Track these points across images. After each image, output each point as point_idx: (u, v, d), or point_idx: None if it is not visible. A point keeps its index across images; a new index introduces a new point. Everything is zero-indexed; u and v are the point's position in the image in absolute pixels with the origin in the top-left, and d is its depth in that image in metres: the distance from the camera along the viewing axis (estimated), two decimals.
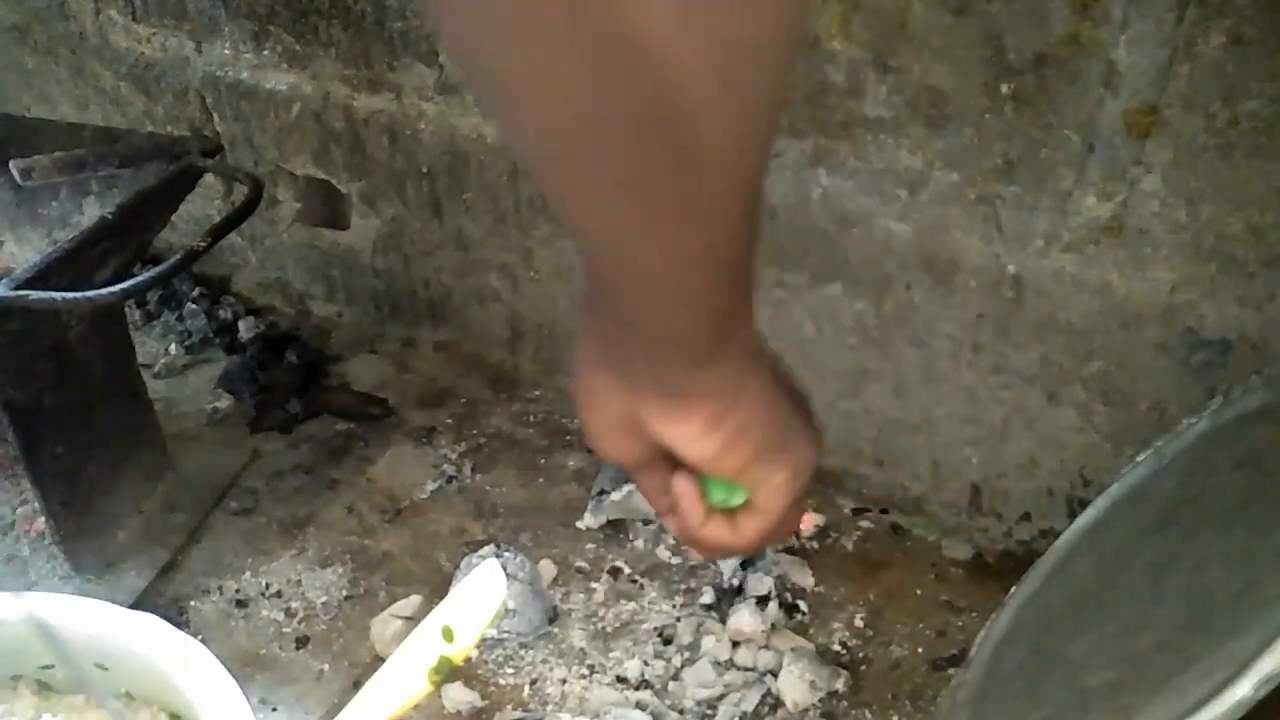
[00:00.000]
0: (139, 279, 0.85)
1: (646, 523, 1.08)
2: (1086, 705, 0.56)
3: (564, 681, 0.92)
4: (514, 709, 0.90)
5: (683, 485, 0.45)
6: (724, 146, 0.30)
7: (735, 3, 0.27)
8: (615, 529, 1.07)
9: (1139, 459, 0.75)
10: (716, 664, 0.92)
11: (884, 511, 1.09)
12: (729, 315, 0.38)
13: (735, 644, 0.94)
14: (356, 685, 0.89)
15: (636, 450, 0.43)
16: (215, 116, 1.29)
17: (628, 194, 0.31)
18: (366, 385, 1.28)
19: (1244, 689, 0.44)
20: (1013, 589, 0.79)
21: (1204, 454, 0.69)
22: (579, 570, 1.03)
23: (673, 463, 0.44)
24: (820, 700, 0.89)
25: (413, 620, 0.96)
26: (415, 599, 0.99)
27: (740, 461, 0.42)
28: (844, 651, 0.95)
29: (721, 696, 0.90)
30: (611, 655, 0.94)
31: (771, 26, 0.28)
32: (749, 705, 0.89)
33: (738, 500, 0.46)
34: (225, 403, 1.26)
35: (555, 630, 0.97)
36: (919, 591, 1.00)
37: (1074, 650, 0.62)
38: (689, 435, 0.40)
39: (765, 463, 0.43)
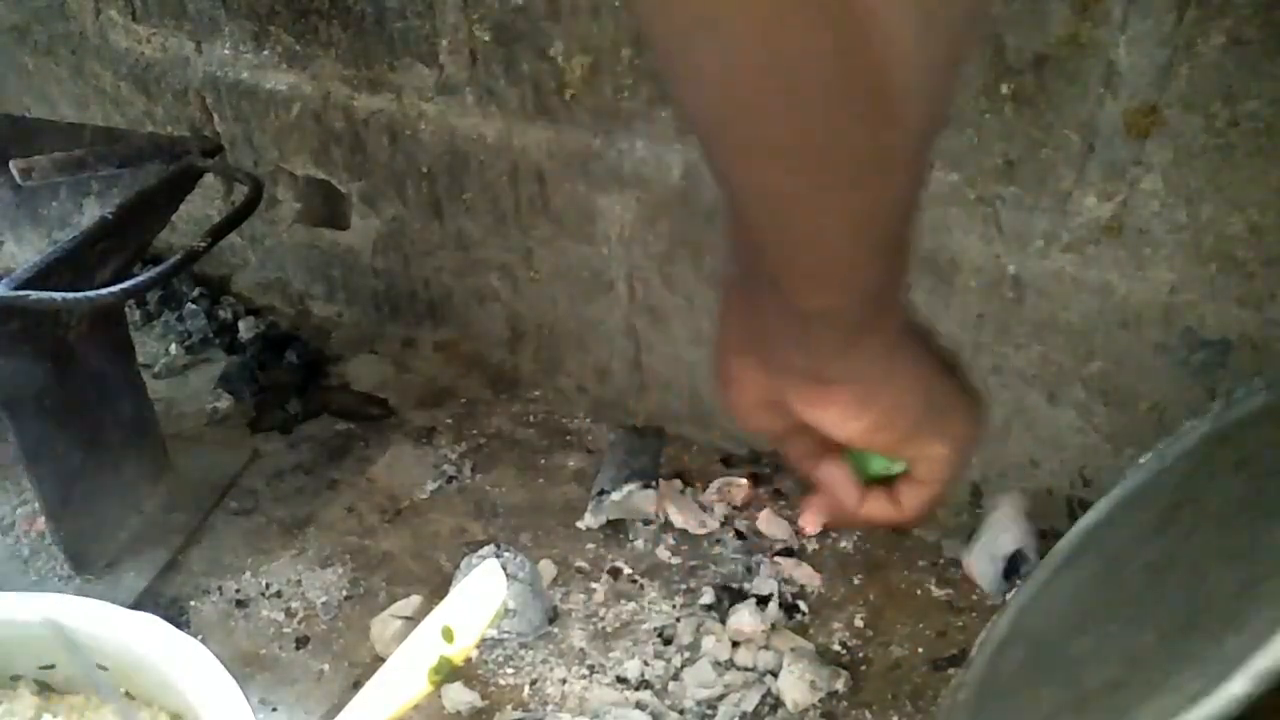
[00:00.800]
0: (139, 279, 0.85)
1: (646, 523, 1.08)
2: (1085, 705, 0.56)
3: (564, 681, 0.92)
4: (514, 709, 0.90)
5: (834, 471, 0.45)
6: (916, 94, 0.28)
7: None
8: (615, 529, 1.07)
9: (1141, 461, 0.75)
10: (716, 664, 0.93)
11: None
12: (885, 291, 0.37)
13: (735, 644, 0.94)
14: (356, 685, 0.89)
15: (780, 426, 0.43)
16: (215, 116, 1.29)
17: (814, 149, 0.30)
18: (366, 385, 1.28)
19: (1240, 685, 0.44)
20: (1012, 590, 0.79)
21: (1205, 455, 0.69)
22: (579, 570, 1.03)
23: (821, 436, 0.43)
24: (820, 700, 0.89)
25: (413, 620, 0.96)
26: (415, 599, 0.99)
27: (894, 439, 0.41)
28: (844, 651, 0.95)
29: (721, 696, 0.90)
30: (611, 655, 0.94)
31: None
32: (749, 705, 0.89)
33: (898, 469, 0.45)
34: (225, 403, 1.26)
35: (555, 630, 0.97)
36: (919, 591, 1.00)
37: (1073, 651, 0.62)
38: (838, 418, 0.40)
39: (921, 438, 0.42)
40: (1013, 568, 0.96)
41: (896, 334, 0.39)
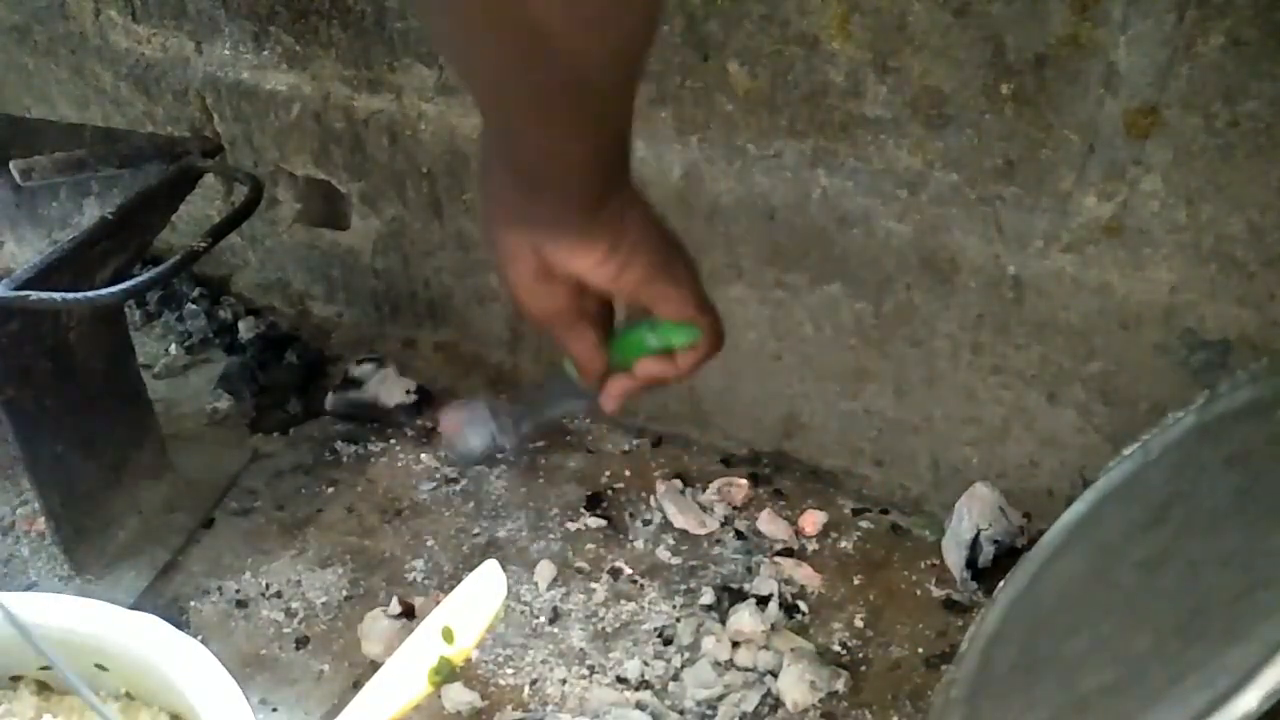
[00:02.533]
0: (139, 279, 0.85)
1: (646, 523, 1.08)
2: (1084, 708, 0.56)
3: (564, 682, 0.92)
4: (514, 709, 0.90)
5: (584, 338, 0.55)
6: (595, 73, 0.41)
7: None
8: (615, 529, 1.08)
9: (1125, 453, 0.75)
10: (716, 664, 0.93)
11: (884, 511, 1.09)
12: (614, 172, 0.48)
13: (735, 644, 0.94)
14: (356, 685, 0.89)
15: (555, 297, 0.52)
16: (215, 117, 1.28)
17: (521, 99, 0.42)
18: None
19: (1249, 701, 0.43)
20: (1001, 583, 0.79)
21: (1193, 450, 0.69)
22: (579, 570, 1.03)
23: (588, 318, 0.54)
24: (820, 700, 0.89)
25: (404, 619, 0.96)
26: (413, 599, 0.99)
27: (638, 278, 0.51)
28: (844, 652, 0.95)
29: (721, 697, 0.90)
30: (611, 655, 0.94)
31: None
32: (749, 705, 0.89)
33: (640, 350, 0.56)
34: (225, 403, 1.26)
35: (555, 630, 0.97)
36: (919, 591, 1.00)
37: (1068, 650, 0.62)
38: (593, 263, 0.49)
39: (661, 277, 0.52)
40: (974, 553, 0.97)
41: (626, 200, 0.50)
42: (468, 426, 1.16)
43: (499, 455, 1.15)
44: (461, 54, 0.43)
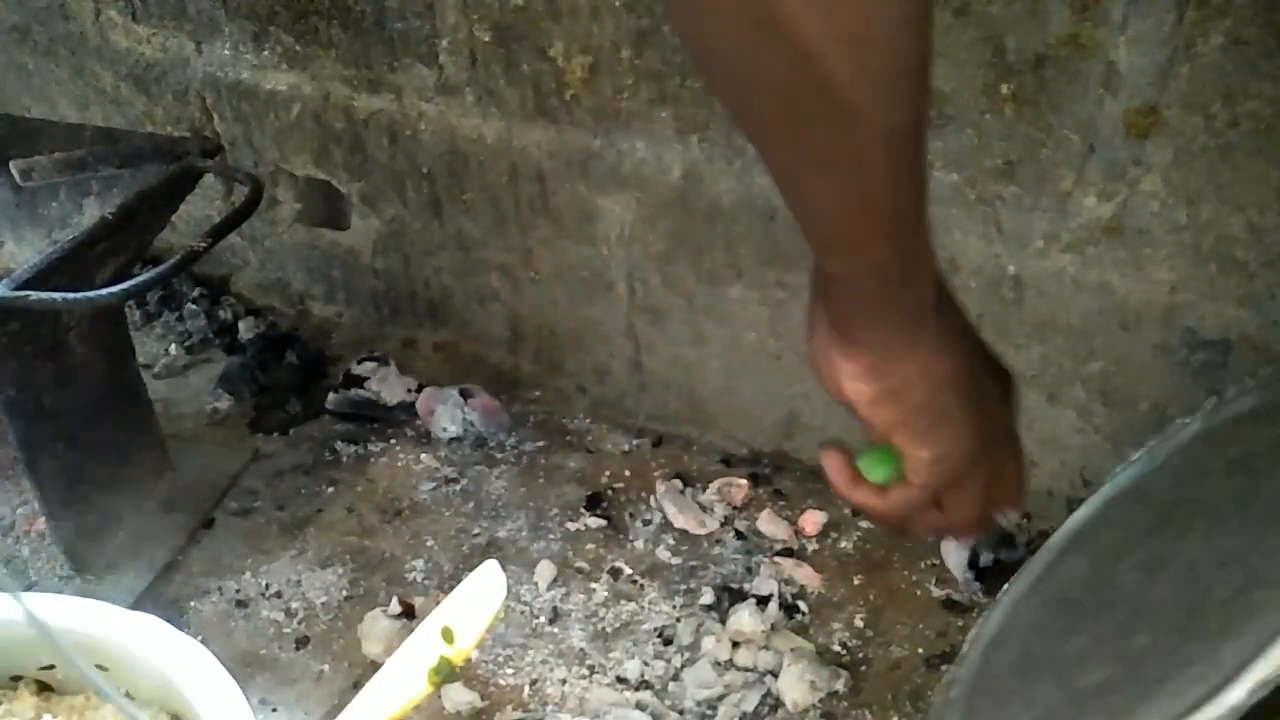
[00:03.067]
0: (139, 279, 0.85)
1: (646, 523, 1.08)
2: (1079, 706, 0.56)
3: (564, 682, 0.92)
4: (514, 709, 0.90)
5: (830, 451, 0.52)
6: (860, 103, 0.36)
7: None
8: (615, 529, 1.08)
9: (1132, 458, 0.75)
10: (716, 664, 0.93)
11: None
12: (895, 271, 0.43)
13: (735, 644, 0.94)
14: (356, 686, 0.89)
15: (828, 380, 0.49)
16: (215, 117, 1.29)
17: (787, 142, 0.39)
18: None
19: (1238, 694, 0.44)
20: (1005, 586, 0.79)
21: (1198, 455, 0.69)
22: (579, 570, 1.03)
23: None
24: (820, 701, 0.89)
25: (404, 619, 0.96)
26: (413, 599, 0.99)
27: (888, 419, 0.46)
28: (844, 652, 0.95)
29: (721, 697, 0.90)
30: (611, 655, 0.94)
31: (895, 6, 0.35)
32: (749, 706, 0.89)
33: (878, 476, 0.51)
34: (225, 403, 1.26)
35: (555, 630, 0.97)
36: (919, 591, 1.00)
37: (1067, 650, 0.62)
38: (849, 374, 0.46)
39: (915, 432, 0.47)
40: (975, 553, 0.97)
41: (922, 330, 0.45)
42: (439, 408, 1.18)
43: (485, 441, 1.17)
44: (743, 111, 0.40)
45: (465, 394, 1.19)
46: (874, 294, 0.44)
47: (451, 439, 1.18)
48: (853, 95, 0.36)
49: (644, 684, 0.92)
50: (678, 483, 1.12)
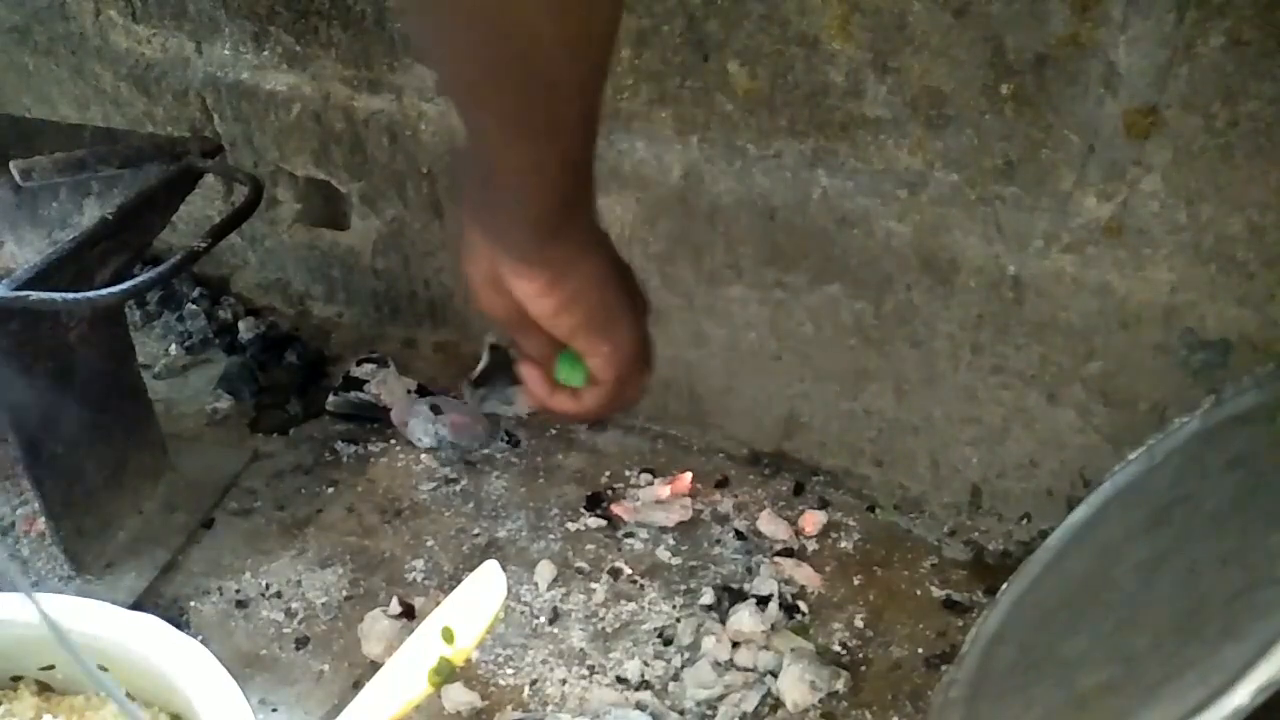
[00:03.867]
0: (139, 279, 0.85)
1: (643, 524, 1.08)
2: (1080, 706, 0.56)
3: (564, 682, 0.92)
4: (514, 709, 0.90)
5: (528, 366, 0.56)
6: (561, 69, 0.40)
7: None
8: (615, 529, 1.08)
9: (1131, 457, 0.75)
10: (716, 664, 0.92)
11: (883, 511, 1.09)
12: (571, 202, 0.48)
13: (735, 644, 0.94)
14: (357, 686, 0.89)
15: (502, 305, 0.52)
16: (215, 117, 1.29)
17: (496, 108, 0.43)
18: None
19: (1241, 696, 0.44)
20: (1005, 585, 0.79)
21: (1196, 454, 0.69)
22: (579, 570, 1.03)
23: (535, 330, 0.53)
24: (820, 701, 0.89)
25: (404, 619, 0.96)
26: (413, 599, 0.99)
27: (571, 325, 0.51)
28: (844, 652, 0.95)
29: (721, 697, 0.90)
30: (611, 656, 0.94)
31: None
32: (749, 706, 0.89)
33: (578, 379, 0.55)
34: (225, 403, 1.26)
35: (555, 630, 0.97)
36: (919, 591, 1.00)
37: (1067, 649, 0.62)
38: (533, 292, 0.49)
39: (593, 332, 0.52)
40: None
41: (582, 241, 0.50)
42: (412, 421, 1.18)
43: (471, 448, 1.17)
44: (438, 50, 0.44)
45: (436, 409, 1.18)
46: (553, 223, 0.47)
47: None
48: (556, 61, 0.40)
49: (644, 684, 0.92)
50: (649, 476, 1.13)
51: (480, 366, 1.22)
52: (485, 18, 0.39)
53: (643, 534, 1.07)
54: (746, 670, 0.92)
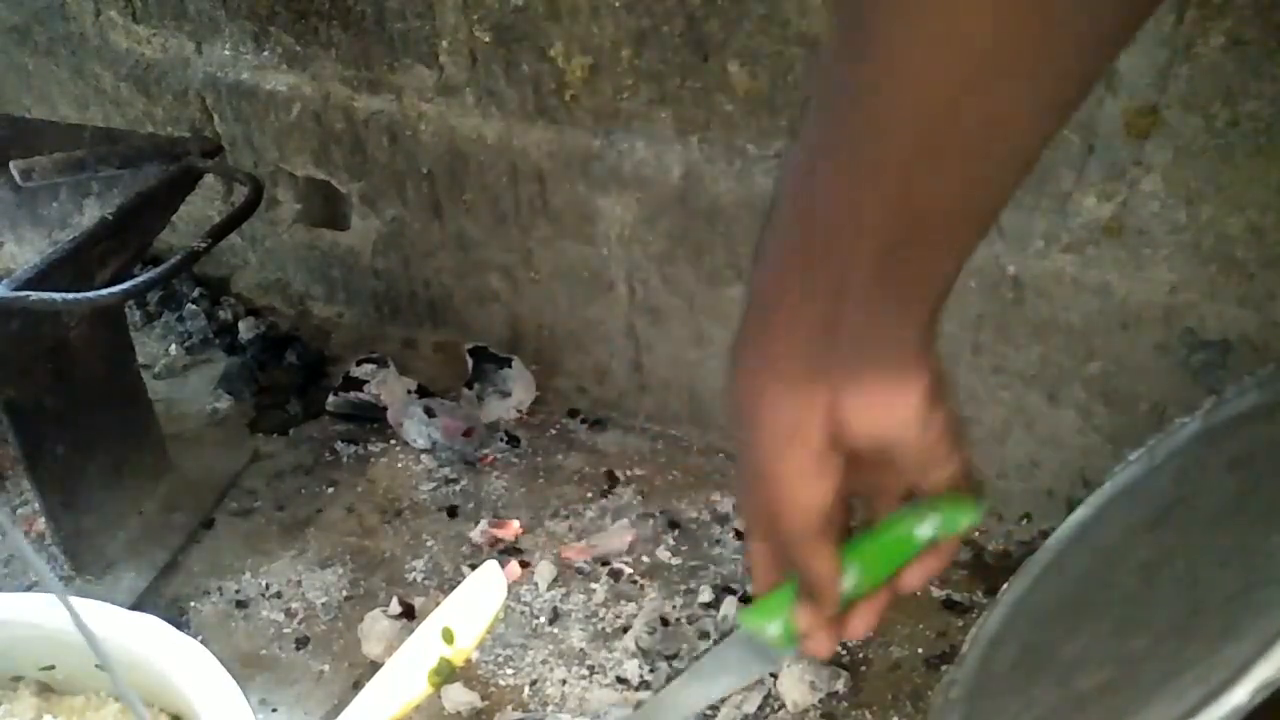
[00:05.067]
0: (139, 280, 0.85)
1: (645, 521, 1.08)
2: (1080, 706, 0.56)
3: (564, 682, 0.92)
4: (514, 709, 0.90)
5: (820, 609, 0.42)
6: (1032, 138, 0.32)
7: None
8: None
9: (1131, 457, 0.75)
10: None
11: None
12: (960, 268, 0.37)
13: None
14: (357, 686, 0.89)
15: (824, 489, 0.38)
16: (215, 117, 1.29)
17: (959, 184, 0.33)
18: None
19: (1240, 695, 0.44)
20: (1004, 585, 0.79)
21: (1197, 454, 0.69)
22: (579, 570, 1.03)
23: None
24: (820, 701, 0.89)
25: (404, 619, 0.96)
26: (413, 599, 0.99)
27: (939, 429, 0.38)
28: (844, 652, 0.95)
29: (722, 698, 0.90)
30: (611, 655, 0.94)
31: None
32: (750, 706, 0.89)
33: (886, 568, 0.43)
34: (225, 403, 1.26)
35: (555, 630, 0.97)
36: (919, 592, 1.00)
37: (1067, 650, 0.62)
38: (912, 406, 0.37)
39: (954, 429, 0.39)
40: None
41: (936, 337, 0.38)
42: (407, 422, 1.19)
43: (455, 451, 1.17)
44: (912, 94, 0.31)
45: (430, 412, 1.18)
46: (936, 303, 0.37)
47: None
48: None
49: (644, 684, 0.92)
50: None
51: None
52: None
53: (643, 534, 1.07)
54: None
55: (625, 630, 0.96)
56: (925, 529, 0.42)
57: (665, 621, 0.96)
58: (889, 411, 0.37)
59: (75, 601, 0.64)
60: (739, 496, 0.42)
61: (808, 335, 0.36)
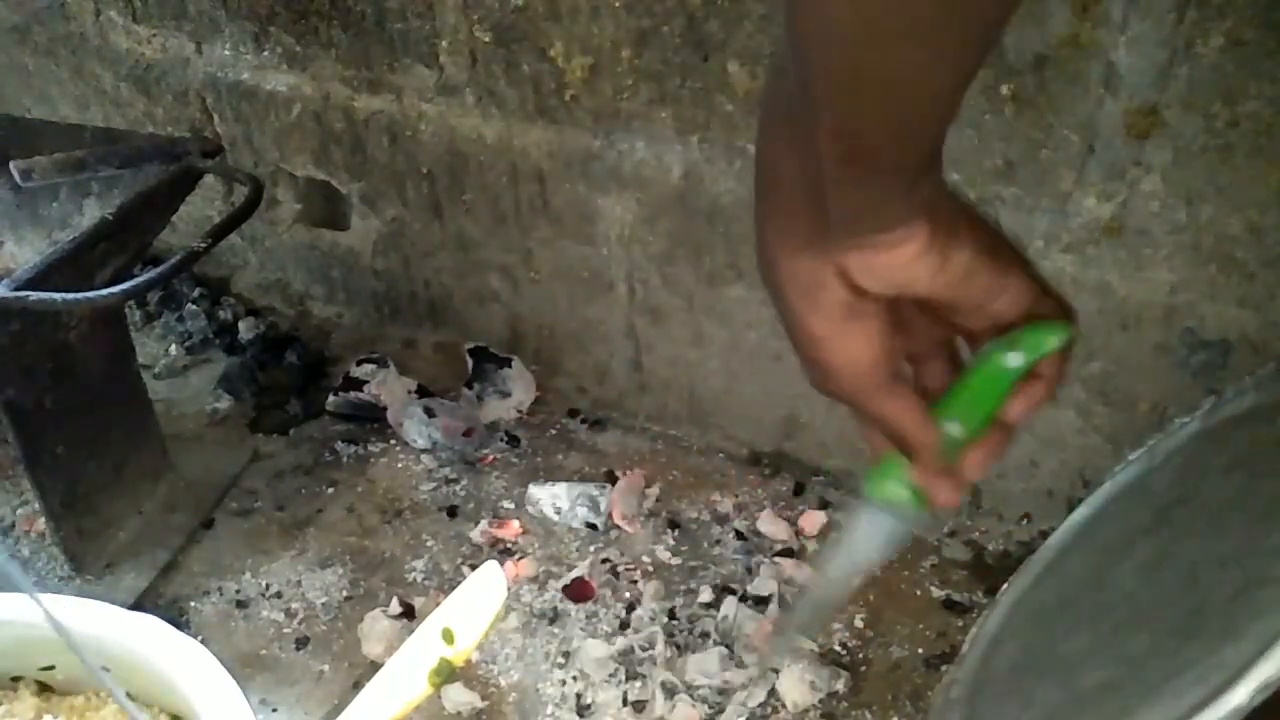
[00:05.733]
0: (139, 280, 0.85)
1: (646, 523, 1.08)
2: (1080, 706, 0.56)
3: (564, 682, 0.92)
4: (514, 709, 0.90)
5: (920, 448, 0.43)
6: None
7: None
8: (614, 528, 1.08)
9: (1131, 457, 0.75)
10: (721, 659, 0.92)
11: None
12: (942, 136, 0.39)
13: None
14: (357, 686, 0.89)
15: (868, 338, 0.41)
16: (215, 117, 1.29)
17: (917, 37, 0.33)
18: None
19: (1241, 695, 0.44)
20: (1005, 585, 0.79)
21: (1197, 454, 0.69)
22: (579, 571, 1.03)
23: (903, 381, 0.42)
24: (820, 701, 0.89)
25: (404, 619, 0.96)
26: (413, 599, 0.99)
27: (964, 266, 0.40)
28: (844, 652, 0.95)
29: (725, 693, 0.90)
30: (612, 655, 0.94)
31: None
32: (753, 702, 0.89)
33: (980, 416, 0.43)
34: (225, 403, 1.26)
35: (555, 630, 0.97)
36: (919, 592, 1.00)
37: (1067, 650, 0.62)
38: (914, 253, 0.39)
39: (991, 261, 0.41)
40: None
41: (939, 179, 0.40)
42: (407, 422, 1.19)
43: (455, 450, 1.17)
44: None
45: (430, 412, 1.18)
46: (924, 167, 0.39)
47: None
48: None
49: (644, 684, 0.91)
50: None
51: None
52: None
53: (643, 534, 1.07)
54: (748, 670, 0.92)
55: (625, 630, 0.96)
56: (1013, 359, 0.43)
57: (671, 616, 0.96)
58: (888, 265, 0.39)
59: (77, 601, 0.64)
60: (806, 375, 0.43)
61: (803, 217, 0.40)
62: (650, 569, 1.03)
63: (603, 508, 1.07)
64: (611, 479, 1.13)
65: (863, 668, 0.93)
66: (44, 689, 0.73)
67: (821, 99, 0.36)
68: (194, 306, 1.39)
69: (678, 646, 0.94)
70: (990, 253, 0.41)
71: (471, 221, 1.19)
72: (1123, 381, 0.92)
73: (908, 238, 0.39)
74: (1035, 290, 0.42)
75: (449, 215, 1.20)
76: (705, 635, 0.95)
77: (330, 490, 1.14)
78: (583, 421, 1.22)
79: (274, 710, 0.91)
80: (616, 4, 0.95)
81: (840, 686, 0.90)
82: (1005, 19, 0.37)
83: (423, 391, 1.23)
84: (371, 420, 1.22)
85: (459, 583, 0.89)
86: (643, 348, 1.17)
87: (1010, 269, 0.42)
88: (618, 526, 1.07)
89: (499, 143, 1.11)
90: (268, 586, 1.03)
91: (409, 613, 0.97)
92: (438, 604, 0.84)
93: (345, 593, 1.02)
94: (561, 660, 0.94)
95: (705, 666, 0.92)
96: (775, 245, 0.41)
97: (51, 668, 0.72)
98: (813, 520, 1.07)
